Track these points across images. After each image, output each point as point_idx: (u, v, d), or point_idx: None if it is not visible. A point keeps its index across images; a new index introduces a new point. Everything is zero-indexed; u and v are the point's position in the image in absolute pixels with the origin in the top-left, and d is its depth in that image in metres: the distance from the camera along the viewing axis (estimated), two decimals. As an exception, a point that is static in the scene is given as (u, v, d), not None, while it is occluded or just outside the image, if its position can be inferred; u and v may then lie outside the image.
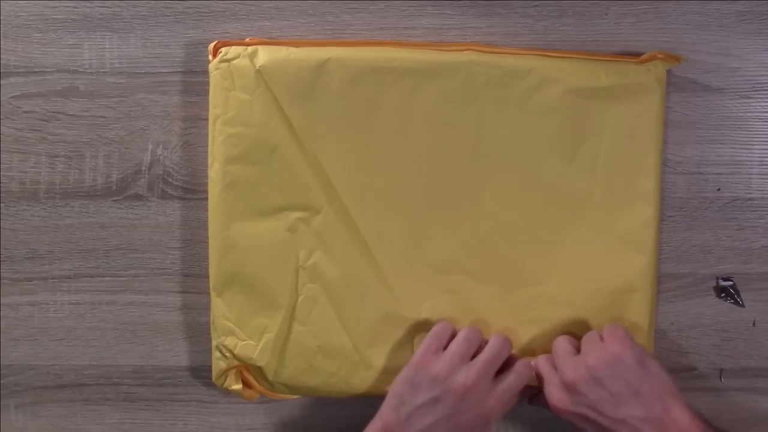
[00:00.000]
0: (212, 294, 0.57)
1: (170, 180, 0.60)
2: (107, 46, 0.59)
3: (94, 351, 0.61)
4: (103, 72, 0.59)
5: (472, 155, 0.56)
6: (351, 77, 0.55)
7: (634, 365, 0.50)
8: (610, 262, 0.56)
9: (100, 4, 0.59)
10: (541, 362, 0.54)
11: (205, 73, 0.58)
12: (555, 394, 0.52)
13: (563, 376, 0.52)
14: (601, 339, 0.53)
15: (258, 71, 0.55)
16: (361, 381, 0.57)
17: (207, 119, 0.58)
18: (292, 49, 0.56)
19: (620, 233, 0.56)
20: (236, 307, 0.57)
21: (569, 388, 0.51)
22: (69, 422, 0.62)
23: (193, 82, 0.59)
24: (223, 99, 0.56)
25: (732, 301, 0.59)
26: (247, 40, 0.57)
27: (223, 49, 0.56)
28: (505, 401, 0.52)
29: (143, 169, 0.60)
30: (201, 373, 0.61)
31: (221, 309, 0.57)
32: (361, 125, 0.56)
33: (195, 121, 0.59)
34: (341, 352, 0.57)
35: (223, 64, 0.55)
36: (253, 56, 0.55)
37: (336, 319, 0.57)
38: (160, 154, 0.60)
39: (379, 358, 0.57)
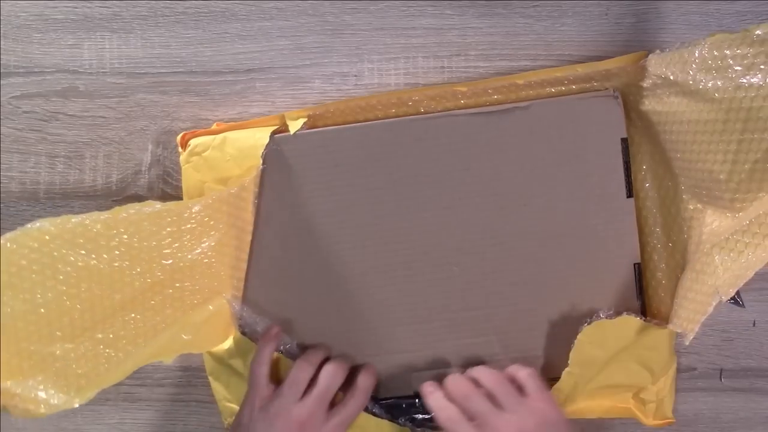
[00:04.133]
0: (210, 378, 0.58)
1: (170, 180, 0.60)
2: (107, 46, 0.59)
3: (94, 351, 0.61)
4: (103, 72, 0.59)
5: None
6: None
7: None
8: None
9: (100, 4, 0.59)
10: (450, 413, 0.51)
11: (205, 73, 0.58)
12: None
13: None
14: (518, 390, 0.51)
15: (229, 161, 0.55)
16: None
17: (207, 119, 0.58)
18: (259, 133, 0.55)
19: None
20: (233, 387, 0.57)
21: None
22: (69, 422, 0.62)
23: (193, 82, 0.59)
24: (197, 192, 0.56)
25: (732, 301, 0.59)
26: (214, 126, 0.57)
27: (192, 141, 0.56)
28: (342, 429, 0.53)
29: (143, 169, 0.60)
30: (201, 373, 0.61)
31: (221, 392, 0.58)
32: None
33: (195, 121, 0.59)
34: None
35: (194, 158, 0.56)
36: (222, 146, 0.55)
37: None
38: (160, 155, 0.60)
39: None
